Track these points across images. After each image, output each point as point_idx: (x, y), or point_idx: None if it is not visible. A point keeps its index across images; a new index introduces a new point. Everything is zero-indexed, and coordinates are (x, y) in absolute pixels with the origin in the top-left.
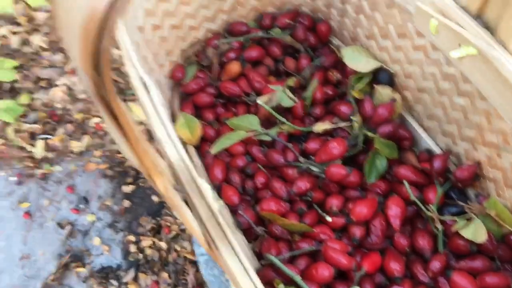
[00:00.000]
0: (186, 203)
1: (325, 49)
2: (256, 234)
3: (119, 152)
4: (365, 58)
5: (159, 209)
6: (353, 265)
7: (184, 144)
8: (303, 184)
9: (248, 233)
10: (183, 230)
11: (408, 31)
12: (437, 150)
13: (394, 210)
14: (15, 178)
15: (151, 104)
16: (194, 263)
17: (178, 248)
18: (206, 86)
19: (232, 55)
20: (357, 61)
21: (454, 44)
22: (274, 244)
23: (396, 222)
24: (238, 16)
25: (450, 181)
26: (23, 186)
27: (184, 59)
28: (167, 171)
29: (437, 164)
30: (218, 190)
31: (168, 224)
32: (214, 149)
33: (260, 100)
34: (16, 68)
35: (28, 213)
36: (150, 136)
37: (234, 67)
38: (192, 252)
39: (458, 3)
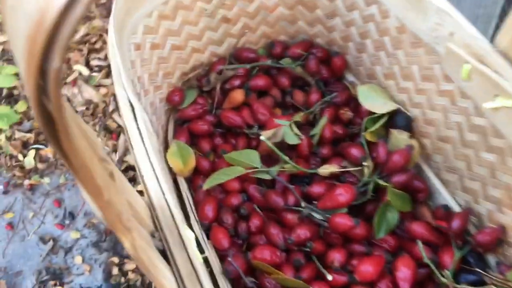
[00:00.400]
0: (163, 254)
1: (337, 84)
2: (246, 286)
3: None
4: (382, 98)
5: None
6: None
7: (174, 175)
8: (303, 233)
9: (236, 284)
10: None
11: (434, 74)
12: (455, 207)
13: (404, 272)
14: (2, 187)
15: (137, 131)
16: None
17: None
18: (205, 113)
19: (236, 82)
20: (373, 100)
21: (488, 94)
22: None
23: (405, 286)
24: (247, 41)
25: (468, 244)
26: (9, 195)
27: (184, 82)
28: (146, 213)
29: (456, 223)
30: (207, 230)
31: None
32: (207, 184)
33: (263, 136)
34: (16, 74)
35: (10, 225)
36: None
37: (238, 96)
38: None
39: (496, 47)
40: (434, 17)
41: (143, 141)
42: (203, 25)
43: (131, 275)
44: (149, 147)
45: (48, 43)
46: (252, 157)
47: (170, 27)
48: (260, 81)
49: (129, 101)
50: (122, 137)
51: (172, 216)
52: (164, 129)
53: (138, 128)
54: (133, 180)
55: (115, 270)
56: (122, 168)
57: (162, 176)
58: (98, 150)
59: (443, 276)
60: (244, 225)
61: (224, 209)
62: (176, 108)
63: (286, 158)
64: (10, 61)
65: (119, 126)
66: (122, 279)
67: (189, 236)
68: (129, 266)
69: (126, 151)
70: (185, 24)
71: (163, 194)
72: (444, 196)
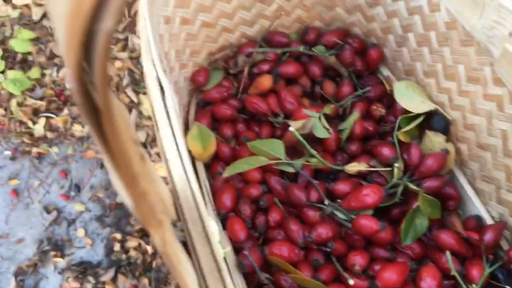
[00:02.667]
0: (185, 245)
1: (371, 78)
2: (260, 281)
3: None
4: (420, 97)
5: None
6: None
7: (192, 159)
8: (324, 232)
9: (250, 279)
10: None
11: (483, 76)
12: (487, 218)
13: (429, 283)
14: (9, 153)
15: (164, 112)
16: None
17: None
18: (229, 97)
19: (265, 67)
20: (410, 99)
21: None
22: None
23: None
24: (280, 25)
25: (499, 259)
26: (16, 162)
27: (210, 63)
28: (169, 201)
29: (488, 236)
30: (224, 220)
31: None
32: (228, 172)
33: (292, 127)
34: (32, 40)
35: (15, 191)
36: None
37: (266, 81)
38: None
39: None
40: (493, 15)
41: (170, 124)
42: (236, 3)
43: (132, 253)
44: (177, 131)
45: (100, 3)
46: (276, 148)
47: (203, 2)
48: (290, 68)
49: (158, 79)
50: (134, 112)
51: (197, 207)
52: (186, 109)
53: (166, 109)
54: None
55: (117, 246)
56: None
57: (188, 163)
58: (131, 129)
59: None
60: (262, 218)
61: (242, 200)
62: (200, 88)
63: (314, 152)
64: (26, 25)
65: (132, 101)
66: (123, 256)
67: (213, 230)
68: (131, 243)
69: (137, 127)
70: (218, 0)
71: (189, 182)
72: (477, 206)
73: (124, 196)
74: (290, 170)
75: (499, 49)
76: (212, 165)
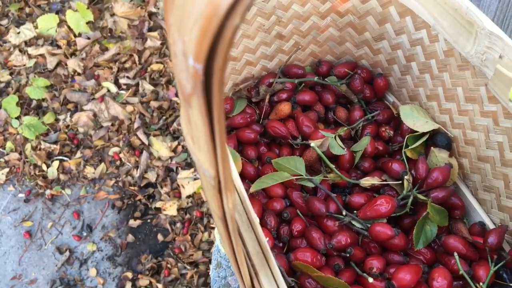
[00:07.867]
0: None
1: (379, 104)
2: (287, 285)
3: (132, 185)
4: (424, 118)
5: (163, 249)
6: None
7: None
8: (343, 239)
9: None
10: (183, 275)
11: (479, 95)
12: (490, 224)
13: (441, 282)
14: (23, 195)
15: None
16: None
17: None
18: (252, 123)
19: (284, 95)
20: (415, 120)
21: None
22: None
23: None
24: (296, 59)
25: (503, 259)
26: (30, 204)
27: (234, 92)
28: None
29: (492, 239)
30: None
31: (169, 266)
32: (254, 187)
33: (313, 144)
34: (47, 87)
35: (29, 233)
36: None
37: (285, 108)
38: None
39: None
40: (485, 41)
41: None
42: (259, 39)
43: None
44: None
45: (232, 6)
46: (298, 164)
47: None
48: (306, 96)
49: None
50: (144, 154)
51: (241, 199)
52: None
53: None
54: (152, 197)
55: (128, 285)
56: (143, 184)
57: (235, 169)
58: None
59: None
60: (286, 228)
61: (267, 212)
62: (226, 115)
63: (332, 166)
64: (41, 73)
65: (143, 143)
66: None
67: (255, 220)
68: (142, 282)
69: (147, 168)
70: (244, 38)
71: (234, 180)
72: (480, 214)
73: (208, 164)
74: (310, 185)
75: (491, 70)
76: None
